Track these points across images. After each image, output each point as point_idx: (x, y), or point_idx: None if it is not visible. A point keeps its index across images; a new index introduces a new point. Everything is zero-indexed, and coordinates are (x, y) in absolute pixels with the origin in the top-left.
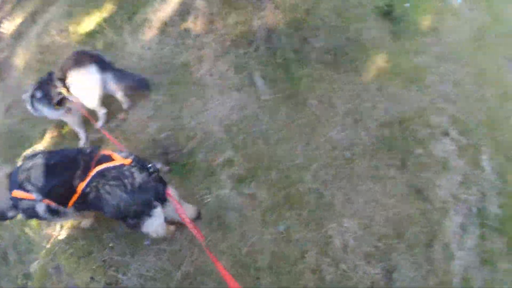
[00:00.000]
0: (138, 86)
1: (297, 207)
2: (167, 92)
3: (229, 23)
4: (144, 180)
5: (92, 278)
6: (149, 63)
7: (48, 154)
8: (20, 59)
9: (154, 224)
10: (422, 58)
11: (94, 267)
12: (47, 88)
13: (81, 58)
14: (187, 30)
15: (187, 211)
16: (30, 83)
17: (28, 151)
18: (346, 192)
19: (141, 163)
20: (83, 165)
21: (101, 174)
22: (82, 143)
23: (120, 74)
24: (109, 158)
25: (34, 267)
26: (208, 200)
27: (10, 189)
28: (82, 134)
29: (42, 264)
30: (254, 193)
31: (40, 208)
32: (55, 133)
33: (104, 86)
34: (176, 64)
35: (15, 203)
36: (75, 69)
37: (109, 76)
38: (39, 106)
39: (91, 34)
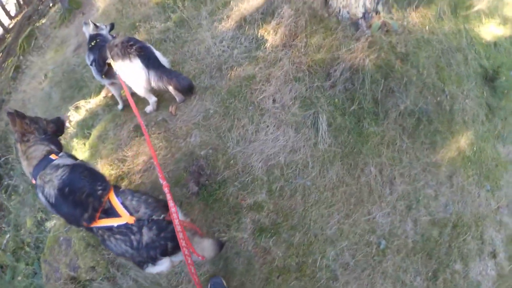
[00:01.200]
0: (181, 89)
1: (307, 280)
2: (221, 102)
3: (312, 43)
4: (153, 239)
5: (93, 268)
6: (214, 61)
7: (68, 175)
8: (102, 1)
9: (158, 270)
10: (509, 148)
11: (98, 259)
12: (98, 54)
13: (129, 49)
14: (263, 37)
15: (205, 249)
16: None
17: (81, 102)
18: (361, 286)
19: (151, 218)
20: (90, 211)
21: (107, 228)
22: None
23: (164, 73)
24: (115, 213)
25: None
26: (223, 238)
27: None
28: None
29: (56, 232)
30: (270, 248)
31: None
32: (109, 93)
33: (148, 80)
34: (241, 73)
35: None
36: (120, 57)
37: (151, 73)
38: (91, 67)
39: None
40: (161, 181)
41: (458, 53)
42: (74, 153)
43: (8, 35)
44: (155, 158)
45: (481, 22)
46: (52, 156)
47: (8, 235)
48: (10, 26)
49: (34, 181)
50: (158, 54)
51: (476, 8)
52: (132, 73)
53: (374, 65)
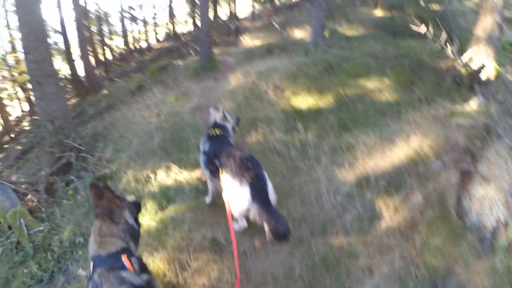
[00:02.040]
0: (276, 234)
1: None
2: (312, 269)
3: (431, 243)
4: None
5: None
6: (322, 214)
7: None
8: (235, 78)
9: None
10: None
11: None
12: (213, 151)
13: (245, 171)
14: (381, 211)
15: None
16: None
17: (175, 167)
18: None
19: None
20: None
21: None
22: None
23: (266, 211)
24: None
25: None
26: None
27: None
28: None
29: None
30: None
31: None
32: (204, 178)
33: (248, 210)
34: (344, 245)
35: None
36: (232, 174)
37: (254, 206)
38: (202, 155)
39: (301, 114)
40: None
41: None
42: (141, 215)
43: (148, 54)
44: None
45: None
46: (123, 258)
47: (42, 227)
48: (153, 47)
49: (91, 264)
50: (270, 187)
51: None
52: (236, 197)
53: None
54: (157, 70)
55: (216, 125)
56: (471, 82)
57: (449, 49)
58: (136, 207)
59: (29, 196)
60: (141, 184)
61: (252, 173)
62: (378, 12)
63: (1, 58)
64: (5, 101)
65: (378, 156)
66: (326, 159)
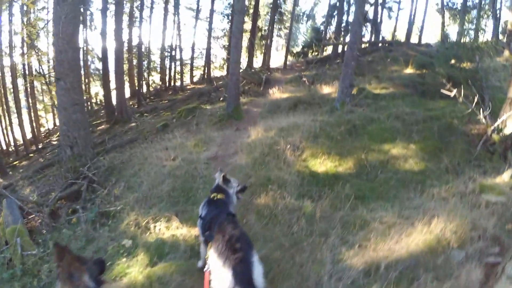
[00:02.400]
0: None
1: None
2: None
3: None
4: None
5: None
6: None
7: None
8: (256, 131)
9: None
10: None
11: None
12: (209, 218)
13: (231, 253)
14: None
15: None
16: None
17: (175, 220)
18: None
19: None
20: None
21: None
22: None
23: None
24: None
25: None
26: None
27: None
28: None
29: None
30: None
31: None
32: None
33: None
34: None
35: None
36: (217, 253)
37: None
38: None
39: (317, 179)
40: None
41: None
42: (130, 266)
43: (181, 94)
44: None
45: None
46: None
47: (35, 252)
48: (187, 88)
49: None
50: (258, 273)
51: None
52: (218, 277)
53: None
54: (185, 112)
55: (218, 189)
56: (504, 150)
57: (480, 113)
58: (99, 267)
59: (33, 216)
60: (140, 230)
61: (238, 257)
62: (409, 71)
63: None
64: (41, 113)
65: (393, 239)
66: (335, 236)
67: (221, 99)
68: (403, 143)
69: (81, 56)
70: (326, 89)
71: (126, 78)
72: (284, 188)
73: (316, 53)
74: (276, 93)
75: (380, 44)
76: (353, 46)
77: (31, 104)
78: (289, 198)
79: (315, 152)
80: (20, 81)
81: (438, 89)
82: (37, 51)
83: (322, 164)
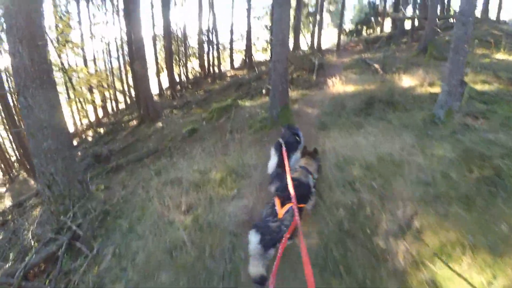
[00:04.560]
0: None
1: None
2: None
3: None
4: None
5: None
6: None
7: None
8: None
9: None
10: None
11: None
12: None
13: None
14: None
15: None
16: None
17: None
18: None
19: None
20: None
21: None
22: None
23: None
24: None
25: None
26: None
27: None
28: None
29: None
30: None
31: None
32: None
33: None
34: None
35: None
36: None
37: None
38: None
39: None
40: None
41: None
42: None
43: (219, 83)
44: None
45: None
46: None
47: None
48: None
49: None
50: None
51: None
52: None
53: None
54: (218, 111)
55: None
56: None
57: None
58: None
59: None
60: None
61: None
62: (502, 56)
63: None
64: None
65: None
66: None
67: (263, 91)
68: None
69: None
70: (406, 80)
71: (163, 66)
72: None
73: (371, 31)
74: (336, 84)
75: (453, 20)
76: (467, 20)
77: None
78: None
79: (444, 242)
80: None
81: None
82: None
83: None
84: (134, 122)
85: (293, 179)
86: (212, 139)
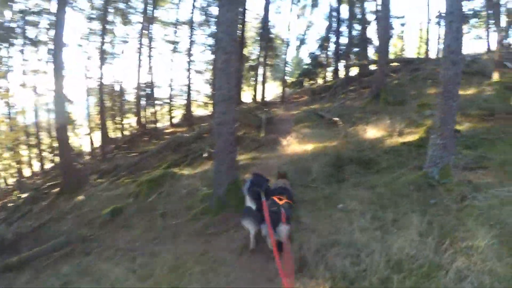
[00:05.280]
0: None
1: None
2: None
3: None
4: None
5: None
6: None
7: None
8: None
9: None
10: None
11: None
12: None
13: None
14: None
15: None
16: None
17: None
18: None
19: None
20: None
21: None
22: None
23: None
24: None
25: None
26: None
27: None
28: None
29: None
30: None
31: None
32: None
33: None
34: None
35: None
36: None
37: None
38: None
39: None
40: None
41: None
42: None
43: (156, 142)
44: None
45: None
46: None
47: None
48: (166, 132)
49: None
50: None
51: None
52: None
53: None
54: (149, 184)
55: None
56: None
57: None
58: None
59: None
60: None
61: None
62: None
63: None
64: None
65: None
66: None
67: (204, 155)
68: None
69: None
70: (371, 131)
71: (96, 123)
72: None
73: (314, 81)
74: (292, 143)
75: (396, 64)
76: (457, 58)
77: None
78: None
79: None
80: None
81: None
82: None
83: None
84: (58, 189)
85: None
86: (139, 226)
